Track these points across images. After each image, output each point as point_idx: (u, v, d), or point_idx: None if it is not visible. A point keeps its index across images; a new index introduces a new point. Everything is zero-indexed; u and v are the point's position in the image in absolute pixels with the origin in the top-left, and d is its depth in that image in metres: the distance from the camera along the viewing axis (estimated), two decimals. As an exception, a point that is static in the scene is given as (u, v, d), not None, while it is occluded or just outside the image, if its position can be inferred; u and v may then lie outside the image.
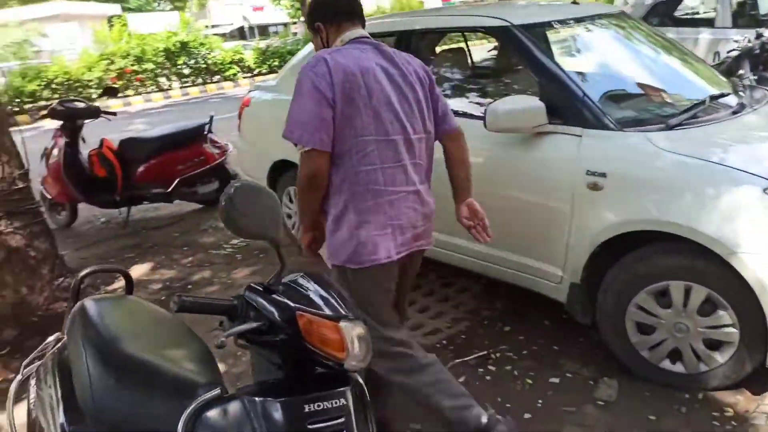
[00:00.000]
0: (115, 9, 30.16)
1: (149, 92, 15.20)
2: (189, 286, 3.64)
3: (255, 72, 17.34)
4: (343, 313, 1.21)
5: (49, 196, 4.93)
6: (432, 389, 1.86)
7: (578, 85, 2.42)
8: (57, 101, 4.77)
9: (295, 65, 3.84)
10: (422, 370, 1.88)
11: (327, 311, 1.19)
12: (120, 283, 3.37)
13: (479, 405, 1.90)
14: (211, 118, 5.06)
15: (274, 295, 1.23)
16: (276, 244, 1.27)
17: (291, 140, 1.72)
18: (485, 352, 2.65)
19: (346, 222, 1.77)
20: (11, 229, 2.98)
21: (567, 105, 2.38)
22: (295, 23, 32.07)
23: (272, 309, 1.19)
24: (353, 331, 1.18)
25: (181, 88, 15.79)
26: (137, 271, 3.89)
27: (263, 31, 39.01)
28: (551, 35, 2.87)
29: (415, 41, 3.03)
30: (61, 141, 4.67)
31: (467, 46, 3.74)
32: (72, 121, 4.71)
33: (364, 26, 1.89)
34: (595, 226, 2.27)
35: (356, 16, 1.89)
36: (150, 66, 14.91)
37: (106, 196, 4.80)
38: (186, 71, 15.86)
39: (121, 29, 18.04)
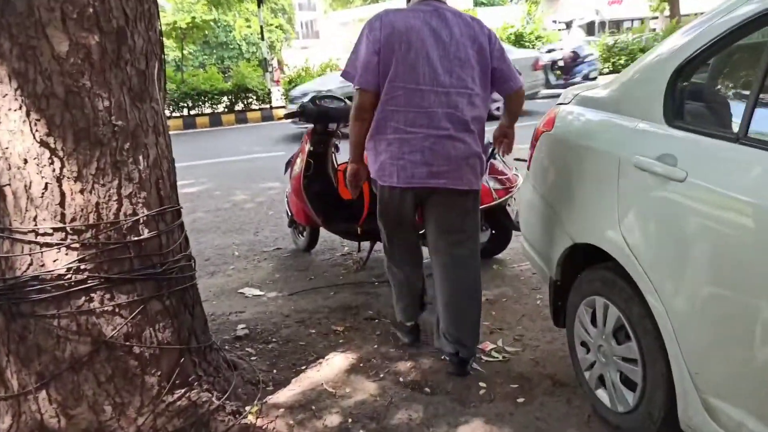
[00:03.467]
0: (467, 3, 30.89)
1: (474, 87, 14.34)
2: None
3: (594, 71, 14.94)
4: None
5: (289, 212, 4.02)
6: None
7: None
8: (311, 96, 3.73)
9: (642, 72, 1.86)
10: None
11: None
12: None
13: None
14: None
15: None
16: None
17: (347, 79, 2.18)
18: None
19: (373, 146, 2.21)
20: (110, 306, 1.84)
21: None
22: (655, 18, 27.85)
23: None
24: None
25: (506, 84, 14.53)
26: (324, 372, 2.50)
27: (616, 26, 35.41)
28: None
29: None
30: (306, 147, 3.62)
31: None
32: (323, 123, 3.62)
33: None
34: None
35: None
36: (478, 59, 14.00)
37: (348, 224, 3.59)
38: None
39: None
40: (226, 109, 13.21)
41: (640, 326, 1.74)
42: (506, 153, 2.58)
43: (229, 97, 13.11)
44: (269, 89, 13.45)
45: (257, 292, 3.46)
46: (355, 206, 3.48)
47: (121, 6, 1.83)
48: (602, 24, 37.26)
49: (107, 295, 1.83)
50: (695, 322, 1.52)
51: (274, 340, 2.79)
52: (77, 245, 1.79)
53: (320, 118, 3.54)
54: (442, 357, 2.48)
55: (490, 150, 3.35)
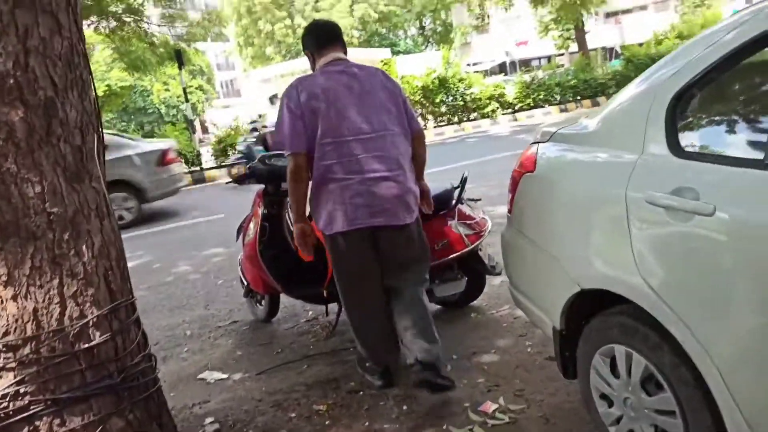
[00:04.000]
0: (386, 53, 31.82)
1: (405, 132, 14.54)
2: None
3: (516, 107, 15.55)
4: None
5: (245, 281, 3.70)
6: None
7: None
8: (260, 156, 3.50)
9: (632, 103, 1.79)
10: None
11: None
12: None
13: None
14: (464, 181, 3.25)
15: None
16: None
17: (279, 148, 2.50)
18: None
19: (316, 201, 2.39)
20: (57, 435, 1.50)
21: None
22: (561, 54, 29.69)
23: None
24: None
25: (435, 127, 14.83)
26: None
27: (525, 65, 37.49)
28: None
29: None
30: (260, 210, 3.37)
31: None
32: (275, 183, 3.38)
33: (343, 47, 2.49)
34: None
35: (334, 42, 2.46)
36: (407, 105, 14.24)
37: (311, 288, 3.31)
38: (443, 109, 14.85)
39: (388, 70, 17.93)
40: (153, 176, 12.63)
41: (675, 375, 1.58)
42: (428, 210, 2.71)
43: (156, 162, 12.57)
44: (198, 151, 13.04)
45: (220, 375, 3.10)
46: (318, 267, 3.22)
47: (47, 74, 1.57)
48: (513, 64, 39.43)
49: (56, 421, 1.49)
50: (749, 365, 1.38)
51: (250, 432, 2.46)
52: (14, 364, 1.46)
53: (272, 177, 3.31)
54: (415, 381, 2.54)
55: (457, 194, 3.23)
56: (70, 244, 1.58)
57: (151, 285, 4.99)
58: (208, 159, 13.49)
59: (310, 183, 2.40)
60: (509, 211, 2.37)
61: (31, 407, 1.46)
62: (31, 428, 1.46)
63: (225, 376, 3.09)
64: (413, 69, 18.80)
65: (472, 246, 3.13)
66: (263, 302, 3.75)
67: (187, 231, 7.22)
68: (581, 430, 2.14)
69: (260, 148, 10.53)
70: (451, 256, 3.10)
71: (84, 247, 1.61)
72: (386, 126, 2.37)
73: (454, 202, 3.19)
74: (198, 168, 12.97)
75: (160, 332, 3.88)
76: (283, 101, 2.34)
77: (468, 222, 3.19)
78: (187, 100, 13.33)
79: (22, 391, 1.45)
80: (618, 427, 1.87)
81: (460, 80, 14.80)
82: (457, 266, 3.25)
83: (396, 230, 2.41)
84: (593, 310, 1.92)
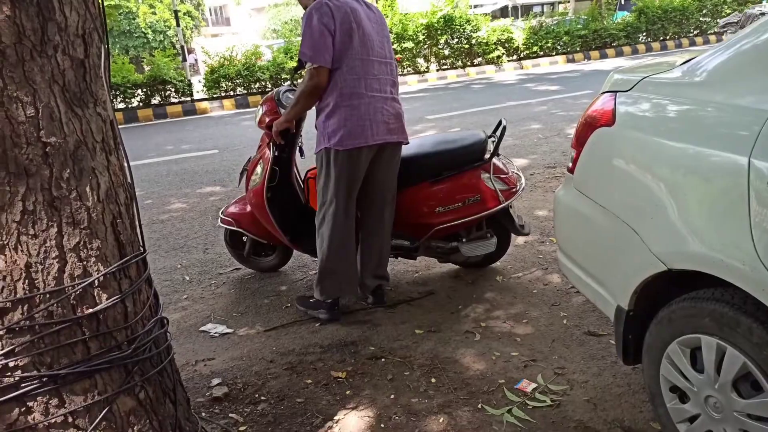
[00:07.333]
0: (385, -12, 30.45)
1: (405, 74, 13.98)
2: None
3: (522, 54, 14.99)
4: None
5: (248, 233, 3.31)
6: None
7: None
8: (274, 90, 3.12)
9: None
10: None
11: None
12: None
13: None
14: (502, 129, 2.94)
15: None
16: None
17: (305, 60, 2.42)
18: None
19: (336, 116, 2.46)
20: (60, 416, 1.23)
21: None
22: (568, 1, 28.68)
23: None
24: None
25: (438, 71, 14.27)
26: (342, 433, 1.98)
27: (527, 10, 36.33)
28: None
29: None
30: (269, 152, 3.03)
31: None
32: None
33: None
34: None
35: None
36: (409, 45, 13.60)
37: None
38: (446, 51, 14.24)
39: (386, 4, 17.06)
40: (141, 104, 12.05)
41: (785, 379, 1.35)
42: None
43: (144, 89, 11.96)
44: (189, 80, 12.40)
45: (224, 329, 2.86)
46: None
47: (43, -38, 1.21)
48: (515, 8, 38.19)
49: (53, 401, 1.22)
50: None
51: (263, 398, 2.23)
52: (1, 332, 1.17)
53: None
54: (367, 303, 2.90)
55: (488, 143, 2.92)
56: (71, 183, 1.26)
57: (144, 223, 4.64)
58: (198, 89, 12.85)
59: (330, 98, 2.46)
60: (570, 170, 2.08)
61: (23, 385, 1.18)
62: (22, 409, 1.19)
63: (230, 330, 2.84)
64: (414, 7, 17.93)
65: (506, 203, 2.86)
66: (270, 255, 3.45)
67: (178, 166, 6.83)
68: (634, 418, 1.94)
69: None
70: (484, 213, 2.83)
71: (88, 189, 1.30)
72: (392, 55, 2.64)
73: (488, 154, 2.88)
74: (189, 99, 12.36)
75: (156, 276, 3.61)
76: (314, 16, 2.38)
77: (501, 177, 2.90)
78: (178, 24, 12.54)
79: (11, 364, 1.17)
80: (691, 426, 1.65)
81: (468, 21, 14.13)
82: (486, 224, 2.99)
83: (398, 147, 2.65)
84: (671, 291, 1.68)
